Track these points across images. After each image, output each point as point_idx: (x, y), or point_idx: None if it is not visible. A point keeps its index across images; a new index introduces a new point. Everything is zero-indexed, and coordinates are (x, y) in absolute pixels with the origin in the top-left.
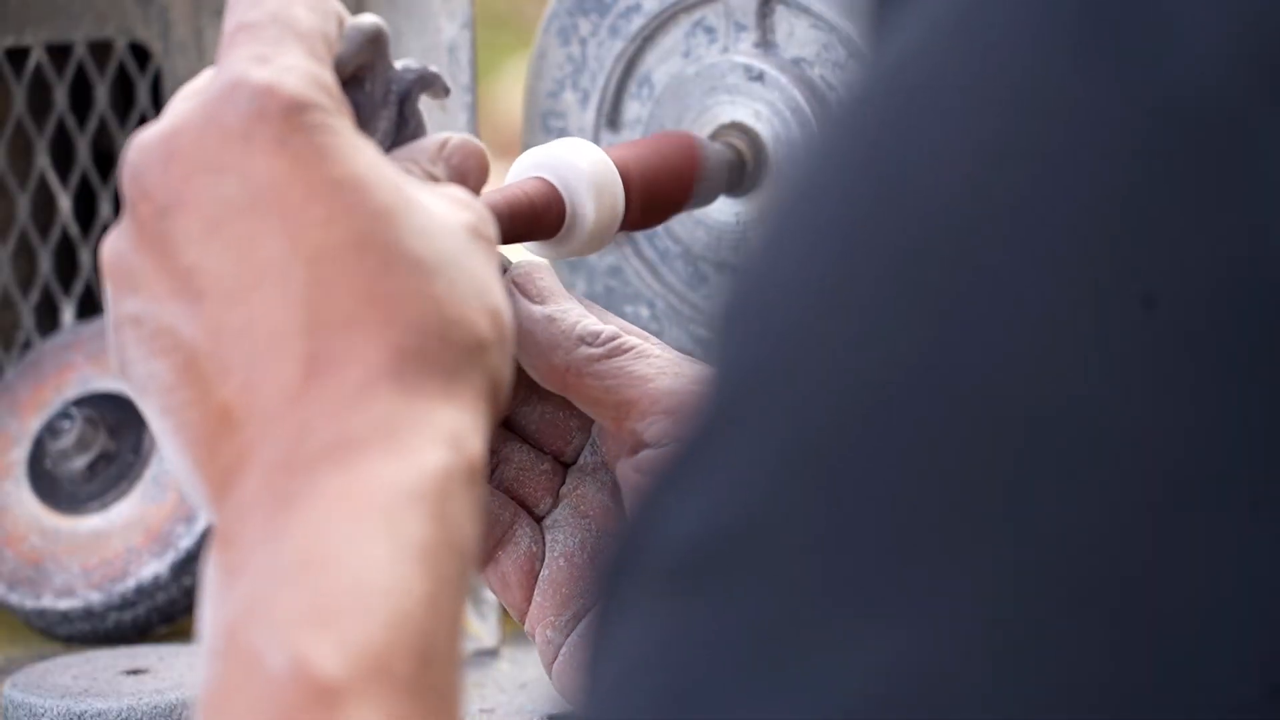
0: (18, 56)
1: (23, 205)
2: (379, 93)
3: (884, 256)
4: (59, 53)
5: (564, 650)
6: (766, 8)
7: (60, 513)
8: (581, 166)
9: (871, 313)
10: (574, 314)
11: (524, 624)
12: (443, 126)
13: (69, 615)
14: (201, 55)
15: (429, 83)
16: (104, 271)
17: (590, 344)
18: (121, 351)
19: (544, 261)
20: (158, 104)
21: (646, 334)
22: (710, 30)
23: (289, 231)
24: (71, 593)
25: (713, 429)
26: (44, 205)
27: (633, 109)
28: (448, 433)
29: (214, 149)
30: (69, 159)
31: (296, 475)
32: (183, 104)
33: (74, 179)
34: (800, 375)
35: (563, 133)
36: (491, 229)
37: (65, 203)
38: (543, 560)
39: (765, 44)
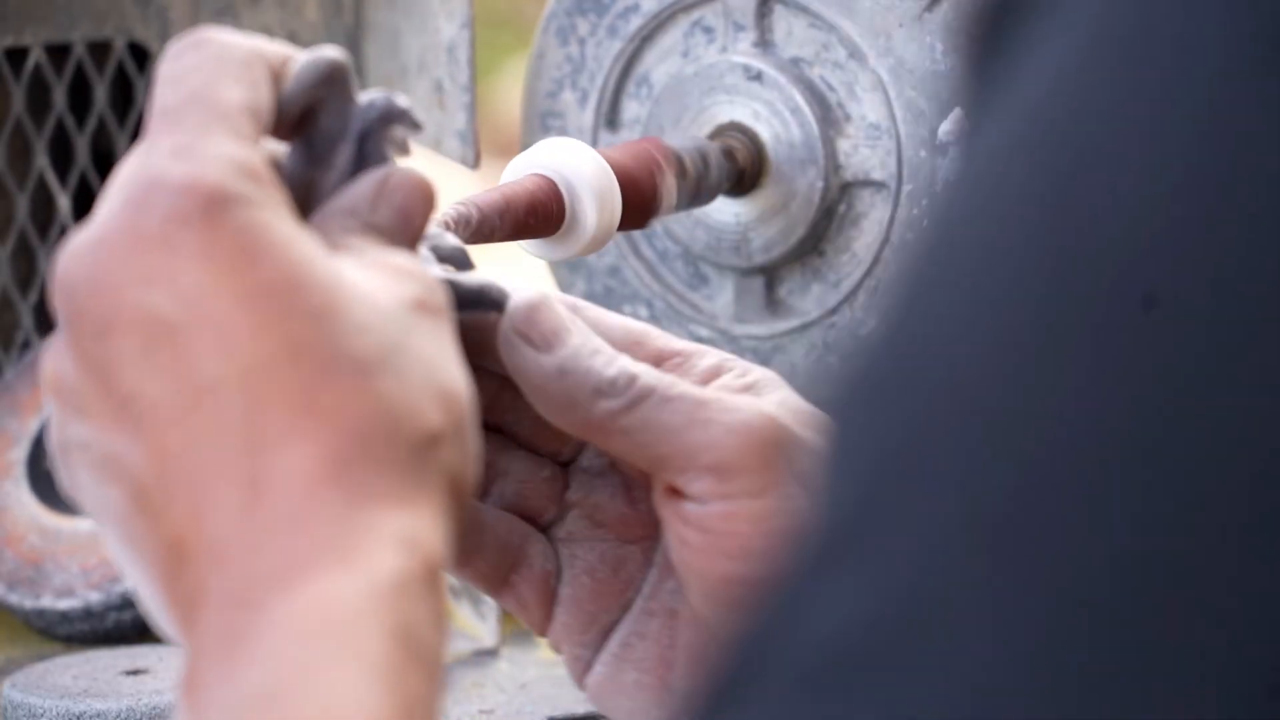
0: (17, 56)
1: (22, 205)
2: (336, 128)
3: (1072, 315)
4: (58, 53)
5: (599, 667)
6: (765, 7)
7: (60, 513)
8: (581, 165)
9: (1057, 379)
10: (586, 359)
11: (546, 639)
12: (442, 127)
13: (69, 615)
14: None
15: (392, 118)
16: (46, 389)
17: (609, 395)
18: (72, 475)
19: (542, 295)
20: None
21: (670, 342)
22: (709, 30)
23: (221, 346)
24: (71, 593)
25: (855, 507)
26: (43, 205)
27: (631, 109)
28: (400, 537)
29: (140, 259)
30: (68, 159)
31: (249, 607)
32: (108, 206)
33: (73, 179)
34: (970, 444)
35: (561, 133)
36: (439, 296)
37: (64, 203)
38: (559, 577)
39: (764, 44)
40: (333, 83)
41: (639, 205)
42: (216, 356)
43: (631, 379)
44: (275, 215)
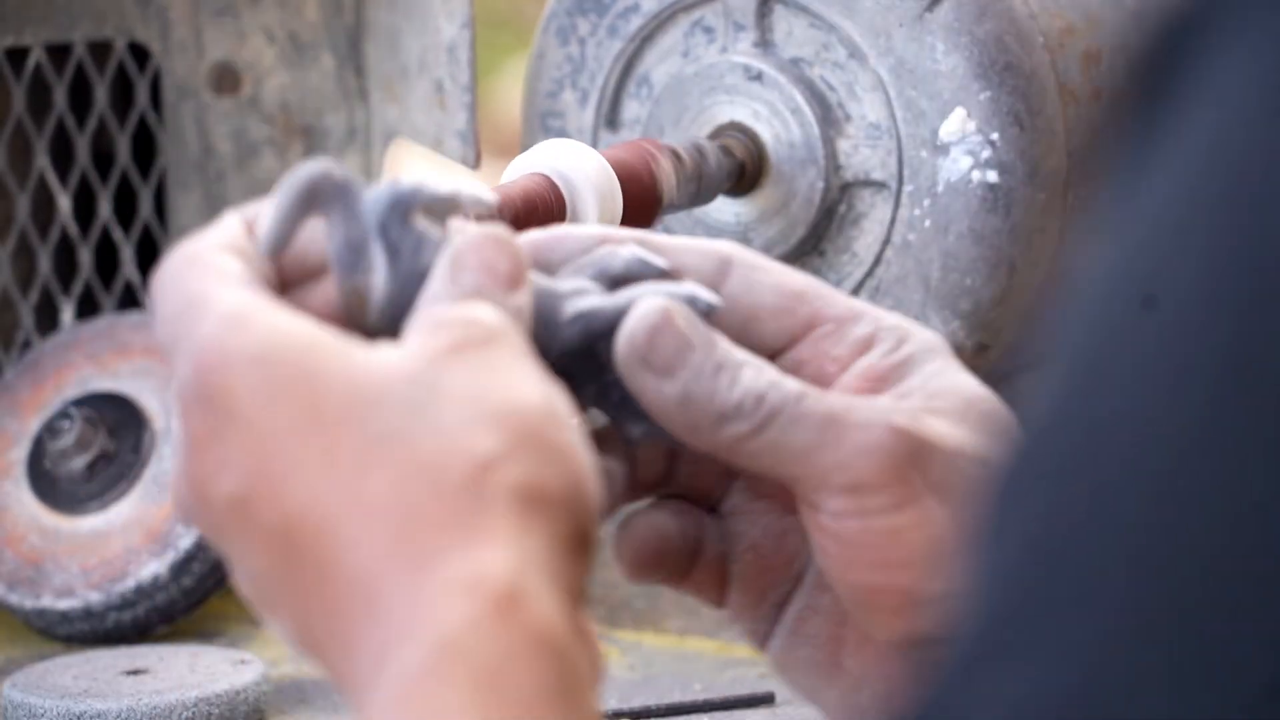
0: (17, 56)
1: (22, 205)
2: (352, 236)
3: (1258, 417)
4: (58, 53)
5: (775, 640)
6: (765, 7)
7: (60, 513)
8: (582, 163)
9: (1235, 477)
10: (709, 380)
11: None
12: (443, 127)
13: (69, 615)
14: (201, 55)
15: (402, 204)
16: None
17: (734, 420)
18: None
19: (664, 312)
20: (157, 104)
21: (826, 305)
22: (709, 30)
23: (333, 550)
24: (71, 593)
25: (1022, 590)
26: (43, 205)
27: (631, 109)
28: (464, 583)
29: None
30: (68, 159)
31: (359, 710)
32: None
33: (73, 179)
34: (1148, 528)
35: (562, 133)
36: (483, 328)
37: (65, 203)
38: (729, 557)
39: (764, 44)
40: (316, 197)
41: (639, 196)
42: (331, 555)
43: (758, 400)
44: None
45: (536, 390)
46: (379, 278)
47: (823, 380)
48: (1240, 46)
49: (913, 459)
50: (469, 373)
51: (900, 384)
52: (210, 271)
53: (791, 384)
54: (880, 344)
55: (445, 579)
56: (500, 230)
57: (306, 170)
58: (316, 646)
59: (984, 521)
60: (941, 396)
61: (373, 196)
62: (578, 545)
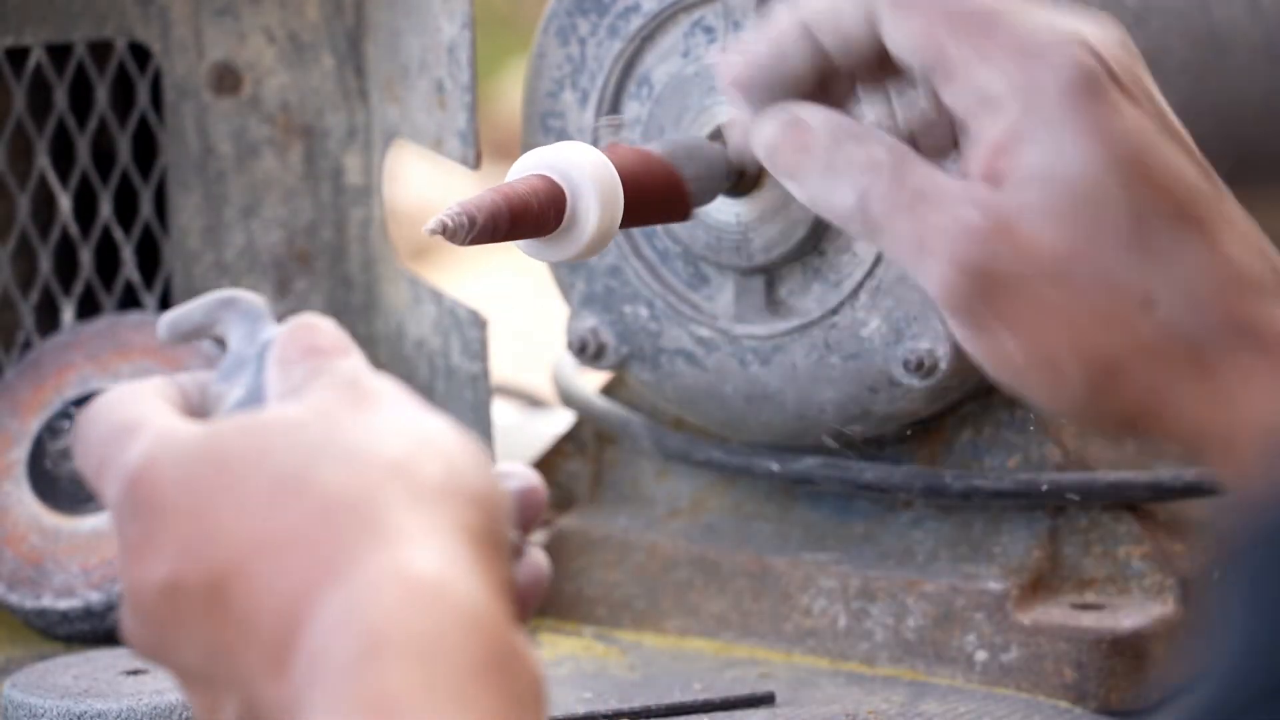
0: (18, 56)
1: (23, 205)
2: (241, 353)
3: None
4: (59, 53)
5: None
6: (765, 7)
7: (60, 513)
8: (583, 165)
9: None
10: None
11: None
12: (443, 127)
13: (69, 615)
14: (201, 55)
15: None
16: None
17: None
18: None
19: None
20: (157, 104)
21: None
22: (709, 30)
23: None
24: (71, 593)
25: None
26: (44, 205)
27: (632, 109)
28: (387, 574)
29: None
30: (68, 159)
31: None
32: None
33: (74, 179)
34: None
35: (562, 133)
36: (354, 369)
37: (65, 203)
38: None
39: None
40: (230, 309)
41: (664, 191)
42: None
43: None
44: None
45: (428, 416)
46: (238, 391)
47: None
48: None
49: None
50: (362, 409)
51: None
52: (138, 404)
53: None
54: None
55: (368, 580)
56: (305, 317)
57: (232, 291)
58: (259, 699)
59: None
60: None
61: (268, 333)
62: (492, 541)
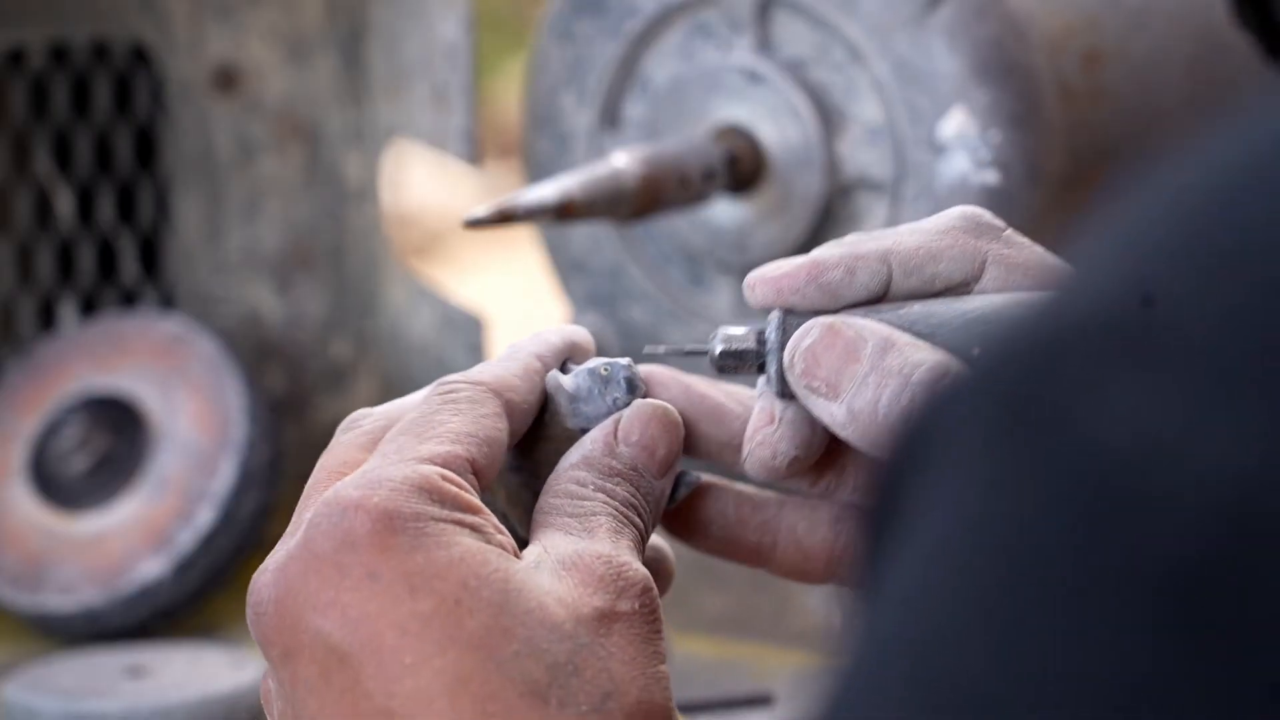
0: (18, 56)
1: (22, 205)
2: (581, 387)
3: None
4: (59, 53)
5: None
6: (765, 9)
7: (60, 513)
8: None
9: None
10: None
11: None
12: (442, 126)
13: (69, 615)
14: (202, 55)
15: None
16: (263, 701)
17: None
18: None
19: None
20: (158, 104)
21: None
22: (709, 31)
23: (383, 681)
24: (71, 593)
25: None
26: (43, 205)
27: (631, 109)
28: None
29: (314, 585)
30: (69, 159)
31: None
32: (294, 526)
33: (74, 179)
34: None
35: (562, 133)
36: (633, 596)
37: (65, 203)
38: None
39: (763, 45)
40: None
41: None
42: (379, 687)
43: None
44: (451, 534)
45: (653, 673)
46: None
47: None
48: (947, 481)
49: None
50: (607, 648)
51: None
52: (429, 432)
53: None
54: None
55: None
56: (669, 411)
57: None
58: None
59: None
60: None
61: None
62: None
